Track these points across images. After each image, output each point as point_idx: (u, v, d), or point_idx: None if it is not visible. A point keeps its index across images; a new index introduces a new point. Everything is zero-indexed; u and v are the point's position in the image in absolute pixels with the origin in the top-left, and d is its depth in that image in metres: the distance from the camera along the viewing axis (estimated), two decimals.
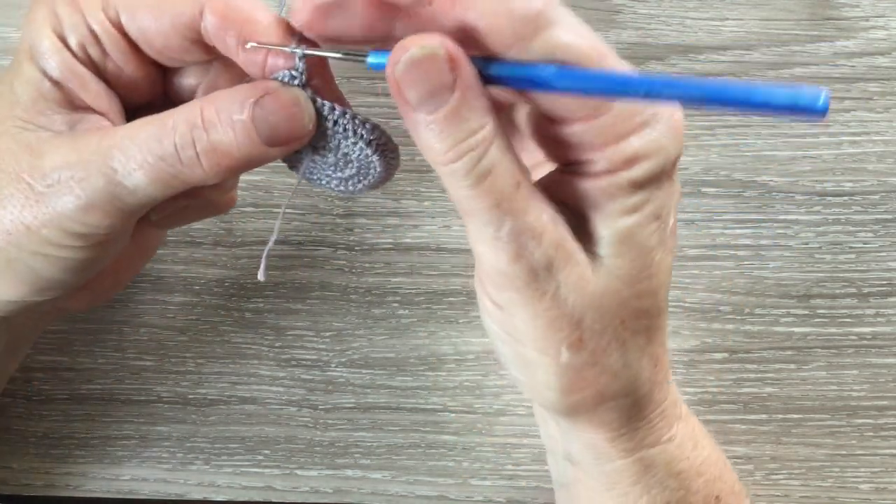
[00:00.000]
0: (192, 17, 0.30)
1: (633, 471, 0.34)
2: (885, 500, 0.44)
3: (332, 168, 0.33)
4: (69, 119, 0.31)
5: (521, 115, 0.33)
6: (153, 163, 0.30)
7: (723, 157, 0.45)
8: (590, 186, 0.29)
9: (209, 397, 0.45)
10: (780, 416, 0.45)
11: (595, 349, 0.30)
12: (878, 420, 0.44)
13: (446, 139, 0.27)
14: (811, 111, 0.25)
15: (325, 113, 0.31)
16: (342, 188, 0.33)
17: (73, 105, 0.32)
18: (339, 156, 0.32)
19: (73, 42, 0.31)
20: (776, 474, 0.45)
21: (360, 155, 0.32)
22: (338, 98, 0.32)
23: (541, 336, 0.30)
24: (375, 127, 0.31)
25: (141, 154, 0.30)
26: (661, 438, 0.34)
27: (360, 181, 0.33)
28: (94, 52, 0.31)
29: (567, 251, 0.29)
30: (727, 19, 0.45)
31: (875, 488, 0.44)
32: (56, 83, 0.31)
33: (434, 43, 0.27)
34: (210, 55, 0.32)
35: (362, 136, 0.31)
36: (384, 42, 0.28)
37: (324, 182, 0.34)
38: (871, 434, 0.44)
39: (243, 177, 0.45)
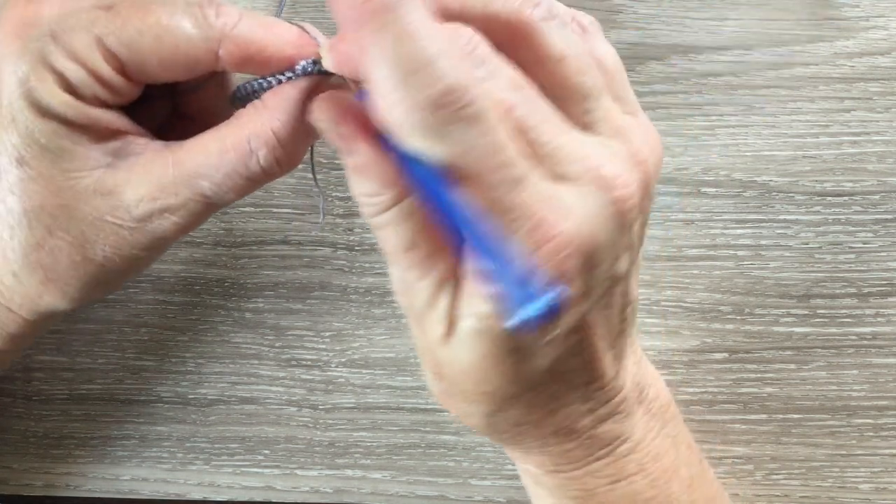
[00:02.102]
0: (207, 63, 0.31)
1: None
2: (885, 500, 0.44)
3: None
4: (108, 149, 0.32)
5: None
6: (242, 184, 0.32)
7: (723, 157, 0.45)
8: (462, 268, 0.30)
9: (209, 397, 0.45)
10: (780, 416, 0.45)
11: (448, 389, 0.32)
12: (878, 420, 0.44)
13: (351, 186, 0.29)
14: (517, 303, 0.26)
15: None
16: None
17: (101, 136, 0.31)
18: None
19: (86, 93, 0.30)
20: (776, 474, 0.45)
21: None
22: None
23: (420, 350, 0.32)
24: None
25: (231, 181, 0.31)
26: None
27: None
28: (104, 95, 0.31)
29: (432, 319, 0.30)
30: (727, 19, 0.45)
31: (875, 488, 0.44)
32: (80, 126, 0.31)
33: (328, 119, 0.29)
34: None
35: None
36: None
37: None
38: (871, 434, 0.44)
39: None
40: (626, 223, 0.29)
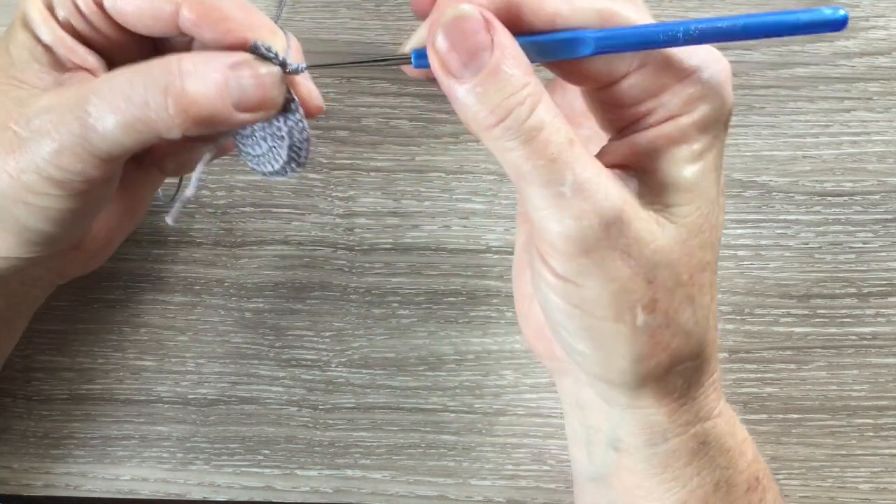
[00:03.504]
0: (169, 13, 0.32)
1: (688, 449, 0.34)
2: (885, 500, 0.44)
3: (245, 139, 0.34)
4: (59, 78, 0.33)
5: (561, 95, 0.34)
6: (124, 107, 0.31)
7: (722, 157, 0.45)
8: (652, 137, 0.30)
9: (209, 397, 0.45)
10: (780, 416, 0.45)
11: (668, 309, 0.30)
12: (878, 420, 0.44)
13: (490, 100, 0.28)
14: (832, 24, 0.28)
15: (287, 104, 0.32)
16: (244, 151, 0.35)
17: (64, 67, 0.33)
18: (259, 135, 0.33)
19: (60, 15, 0.33)
20: (776, 474, 0.44)
21: (275, 149, 0.33)
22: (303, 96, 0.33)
23: (614, 301, 0.29)
24: (307, 140, 0.33)
25: (114, 97, 0.31)
26: (713, 412, 0.34)
27: (255, 162, 0.34)
28: (79, 25, 0.33)
29: (633, 205, 0.29)
30: None
31: (875, 488, 0.44)
32: (47, 47, 0.33)
33: (465, 6, 0.28)
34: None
35: (294, 136, 0.32)
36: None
37: (237, 145, 0.35)
38: (871, 434, 0.44)
39: (243, 177, 0.45)
40: None
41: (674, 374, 0.32)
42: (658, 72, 0.29)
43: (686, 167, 0.30)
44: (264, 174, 0.34)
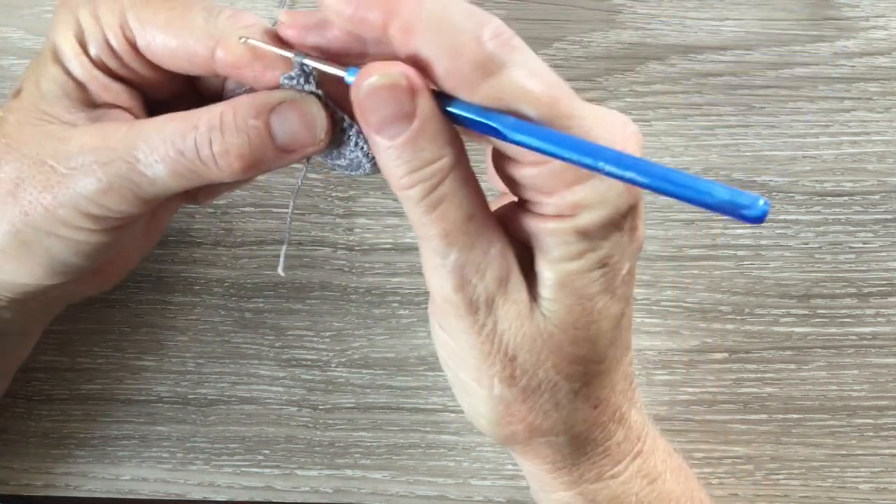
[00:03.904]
0: (204, 57, 0.31)
1: (577, 502, 0.35)
2: (885, 500, 0.44)
3: (327, 156, 0.34)
4: (92, 115, 0.33)
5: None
6: (174, 157, 0.31)
7: (723, 157, 0.45)
8: (537, 227, 0.30)
9: (209, 397, 0.45)
10: (780, 416, 0.45)
11: (525, 387, 0.31)
12: (878, 420, 0.44)
13: (402, 165, 0.28)
14: (747, 217, 0.26)
15: (337, 119, 0.32)
16: (329, 165, 0.35)
17: (95, 103, 0.33)
18: (337, 151, 0.33)
19: (92, 52, 0.32)
20: (776, 474, 0.45)
21: (354, 157, 0.33)
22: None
23: (476, 366, 0.31)
24: None
25: (164, 147, 0.31)
26: (604, 475, 0.34)
27: (346, 171, 0.34)
28: (112, 63, 0.33)
29: (509, 289, 0.30)
30: (727, 19, 0.45)
31: (875, 488, 0.44)
32: (79, 83, 0.33)
33: (395, 71, 0.28)
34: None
35: (362, 147, 0.32)
36: (361, 58, 0.30)
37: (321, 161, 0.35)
38: (871, 434, 0.44)
39: None
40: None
41: (537, 443, 0.33)
42: (553, 173, 0.28)
43: (560, 265, 0.30)
44: (363, 176, 0.34)
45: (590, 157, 0.27)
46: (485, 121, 0.28)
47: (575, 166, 0.27)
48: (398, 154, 0.28)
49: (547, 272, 0.30)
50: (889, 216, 0.45)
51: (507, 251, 0.30)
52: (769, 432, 0.45)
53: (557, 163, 0.28)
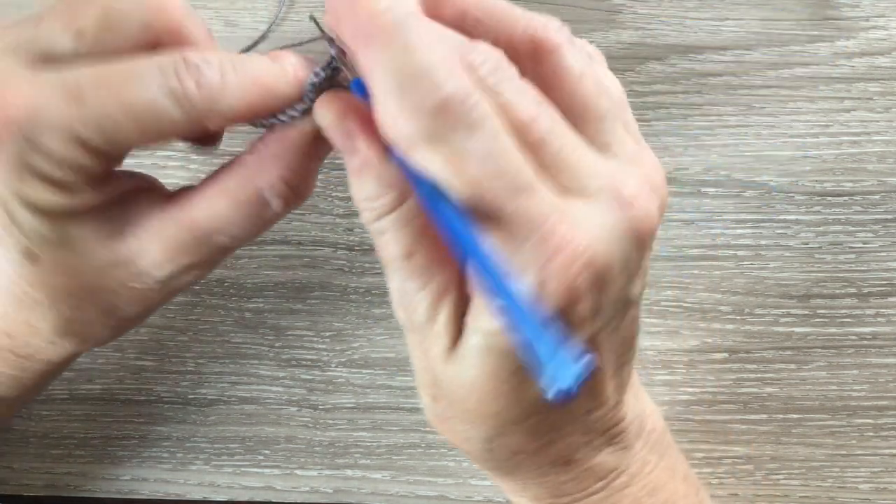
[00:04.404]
0: (197, 132, 0.31)
1: None
2: (885, 500, 0.44)
3: None
4: (111, 223, 0.31)
5: None
6: (258, 230, 0.32)
7: (723, 157, 0.45)
8: (470, 283, 0.29)
9: (209, 397, 0.45)
10: (780, 416, 0.45)
11: (443, 413, 0.31)
12: (878, 420, 0.44)
13: (352, 187, 0.29)
14: (557, 389, 0.24)
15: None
16: None
17: (101, 213, 0.31)
18: None
19: (74, 186, 0.29)
20: (776, 474, 0.45)
21: None
22: None
23: (417, 370, 0.31)
24: None
25: (246, 232, 0.32)
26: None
27: None
28: (93, 181, 0.30)
29: (435, 331, 0.29)
30: (727, 19, 0.45)
31: (875, 488, 0.44)
32: (79, 213, 0.30)
33: (336, 112, 0.29)
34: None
35: None
36: None
37: None
38: (871, 434, 0.44)
39: None
40: (645, 245, 0.29)
41: (469, 456, 0.34)
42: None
43: (481, 333, 0.28)
44: None
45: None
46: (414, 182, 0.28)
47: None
48: (350, 177, 0.29)
49: (471, 332, 0.29)
50: (889, 216, 0.45)
51: (445, 293, 0.29)
52: (769, 432, 0.45)
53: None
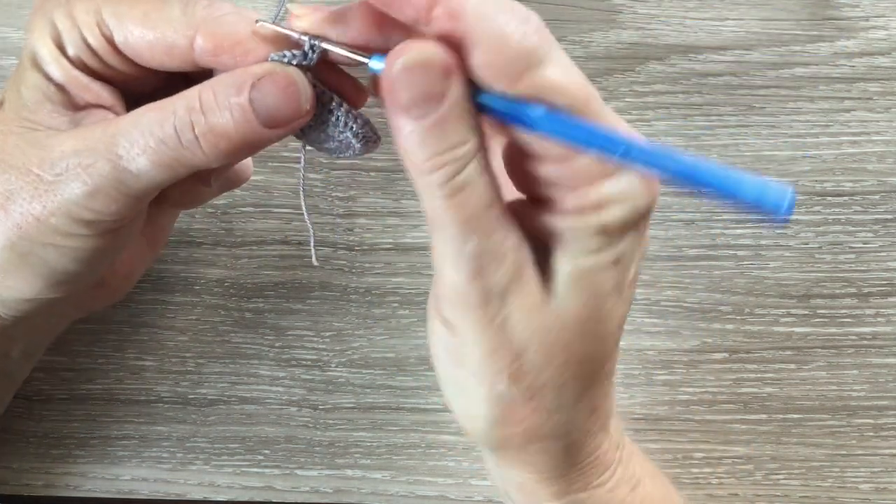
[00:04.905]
0: (183, 47, 0.31)
1: None
2: (885, 500, 0.44)
3: (314, 140, 0.34)
4: (74, 118, 0.32)
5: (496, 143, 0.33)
6: (155, 147, 0.30)
7: (723, 157, 0.45)
8: (556, 222, 0.29)
9: (209, 397, 0.45)
10: (780, 416, 0.45)
11: (531, 385, 0.30)
12: (878, 420, 0.44)
13: (427, 148, 0.28)
14: (775, 212, 0.26)
15: (323, 100, 0.31)
16: (316, 149, 0.34)
17: (77, 105, 0.33)
18: (324, 134, 0.33)
19: (70, 53, 0.32)
20: (776, 474, 0.45)
21: (343, 139, 0.32)
22: (344, 84, 0.32)
23: (481, 361, 0.30)
24: (366, 123, 0.32)
25: (143, 139, 0.30)
26: (591, 483, 0.34)
27: (333, 153, 0.34)
28: (91, 62, 0.32)
29: (524, 281, 0.29)
30: (727, 19, 0.45)
31: (875, 488, 0.44)
32: (59, 86, 0.32)
33: (431, 50, 0.27)
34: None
35: (352, 128, 0.32)
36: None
37: (309, 146, 0.34)
38: (871, 434, 0.44)
39: None
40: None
41: (531, 449, 0.32)
42: (583, 168, 0.28)
43: (579, 260, 0.29)
44: (353, 157, 0.34)
45: (622, 149, 0.27)
46: (516, 110, 0.27)
47: (600, 162, 0.27)
48: (424, 136, 0.28)
49: (563, 266, 0.29)
50: (889, 216, 0.45)
51: (522, 244, 0.29)
52: (769, 432, 0.45)
53: (583, 158, 0.28)
